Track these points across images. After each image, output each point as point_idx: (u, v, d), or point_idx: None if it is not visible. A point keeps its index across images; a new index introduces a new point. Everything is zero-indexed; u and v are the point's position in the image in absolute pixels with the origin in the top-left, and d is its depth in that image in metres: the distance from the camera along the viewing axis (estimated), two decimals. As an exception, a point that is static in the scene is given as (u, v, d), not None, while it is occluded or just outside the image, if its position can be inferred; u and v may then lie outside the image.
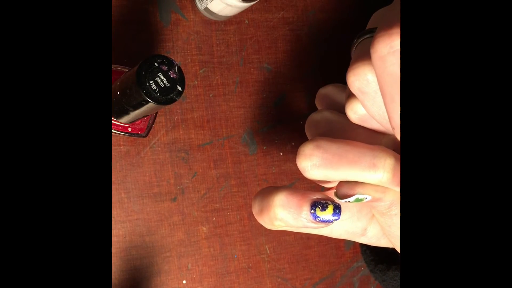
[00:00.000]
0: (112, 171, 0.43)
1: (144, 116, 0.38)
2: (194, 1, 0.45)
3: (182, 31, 0.45)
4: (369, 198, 0.21)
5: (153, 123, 0.41)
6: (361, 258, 0.52)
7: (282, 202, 0.21)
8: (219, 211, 0.47)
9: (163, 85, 0.31)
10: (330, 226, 0.24)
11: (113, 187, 0.43)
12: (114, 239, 0.43)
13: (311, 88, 0.50)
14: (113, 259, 0.43)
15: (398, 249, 0.23)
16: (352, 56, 0.22)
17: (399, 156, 0.20)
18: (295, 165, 0.49)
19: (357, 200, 0.21)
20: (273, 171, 0.49)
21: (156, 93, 0.31)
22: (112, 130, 0.39)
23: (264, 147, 0.48)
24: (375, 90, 0.19)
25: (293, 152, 0.49)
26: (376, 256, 0.49)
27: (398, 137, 0.19)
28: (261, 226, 0.48)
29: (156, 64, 0.31)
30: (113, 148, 0.43)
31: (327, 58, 0.50)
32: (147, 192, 0.44)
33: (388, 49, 0.17)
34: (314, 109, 0.25)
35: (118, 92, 0.33)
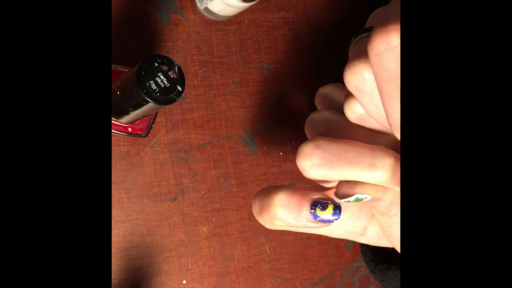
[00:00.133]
0: (112, 171, 0.43)
1: (144, 116, 0.38)
2: (194, 1, 0.45)
3: (182, 31, 0.45)
4: (368, 197, 0.21)
5: (153, 123, 0.41)
6: (361, 258, 0.52)
7: (282, 202, 0.21)
8: (219, 211, 0.47)
9: (163, 85, 0.31)
10: (330, 226, 0.24)
11: (113, 187, 0.43)
12: (114, 239, 0.43)
13: (311, 88, 0.50)
14: (113, 259, 0.43)
15: (398, 249, 0.23)
16: (349, 55, 0.22)
17: (398, 155, 0.20)
18: (295, 165, 0.49)
19: (357, 199, 0.21)
20: (273, 171, 0.49)
21: (156, 93, 0.31)
22: (112, 130, 0.39)
23: (264, 147, 0.48)
24: (371, 88, 0.19)
25: (293, 152, 0.49)
26: (376, 256, 0.49)
27: (396, 133, 0.19)
28: (261, 226, 0.48)
29: (156, 64, 0.31)
30: (113, 148, 0.43)
31: (327, 58, 0.50)
32: (147, 192, 0.44)
33: (385, 46, 0.17)
34: (314, 109, 0.25)
35: (118, 92, 0.33)
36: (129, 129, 0.40)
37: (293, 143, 0.49)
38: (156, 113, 0.41)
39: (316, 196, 0.22)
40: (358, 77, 0.19)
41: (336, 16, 0.50)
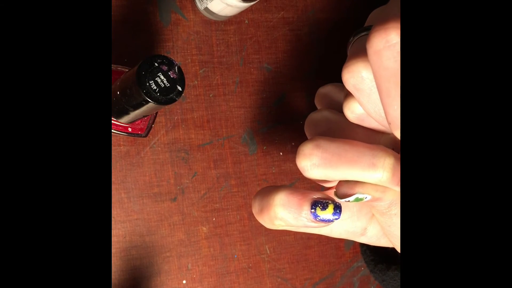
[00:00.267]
0: (112, 171, 0.43)
1: (144, 116, 0.38)
2: (194, 1, 0.45)
3: (182, 31, 0.45)
4: (368, 197, 0.21)
5: (153, 123, 0.41)
6: (361, 258, 0.52)
7: (282, 202, 0.21)
8: (219, 211, 0.47)
9: (163, 85, 0.31)
10: (330, 226, 0.24)
11: (113, 187, 0.43)
12: (114, 239, 0.43)
13: (311, 88, 0.50)
14: (113, 259, 0.43)
15: (398, 249, 0.23)
16: (348, 54, 0.22)
17: (398, 155, 0.20)
18: (295, 165, 0.49)
19: (357, 199, 0.21)
20: (273, 171, 0.49)
21: (156, 93, 0.31)
22: (112, 130, 0.39)
23: (264, 147, 0.48)
24: (369, 87, 0.19)
25: (293, 152, 0.49)
26: (376, 256, 0.49)
27: (394, 132, 0.19)
28: (261, 226, 0.48)
29: (156, 64, 0.31)
30: (113, 148, 0.43)
31: (327, 58, 0.50)
32: (147, 192, 0.44)
33: (384, 44, 0.17)
34: (314, 108, 0.25)
35: (118, 92, 0.33)
36: (129, 129, 0.40)
37: (293, 143, 0.49)
38: (156, 113, 0.41)
39: (317, 195, 0.22)
40: (356, 75, 0.19)
41: (336, 16, 0.50)
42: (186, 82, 0.45)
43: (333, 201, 0.22)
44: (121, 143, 0.44)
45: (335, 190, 0.21)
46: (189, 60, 0.46)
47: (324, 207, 0.21)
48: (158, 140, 0.45)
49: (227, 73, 0.47)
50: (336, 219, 0.22)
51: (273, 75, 0.48)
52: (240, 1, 0.39)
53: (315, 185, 0.49)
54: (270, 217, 0.22)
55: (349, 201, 0.21)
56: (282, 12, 0.49)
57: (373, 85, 0.19)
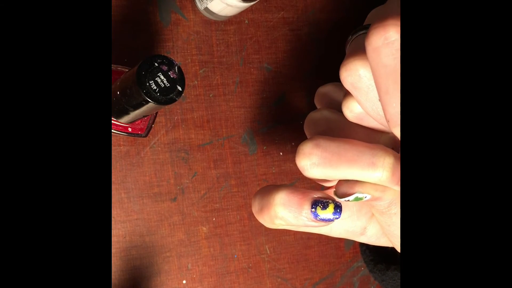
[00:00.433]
0: (112, 171, 0.43)
1: (144, 116, 0.38)
2: (194, 1, 0.45)
3: (182, 31, 0.45)
4: (368, 197, 0.21)
5: (153, 123, 0.41)
6: (361, 258, 0.52)
7: (282, 201, 0.21)
8: (219, 211, 0.47)
9: (163, 85, 0.31)
10: (330, 225, 0.24)
11: (113, 187, 0.43)
12: (114, 239, 0.43)
13: (311, 88, 0.50)
14: (113, 259, 0.43)
15: (398, 249, 0.23)
16: (346, 53, 0.22)
17: (398, 155, 0.20)
18: (295, 165, 0.49)
19: (357, 199, 0.21)
20: (273, 171, 0.49)
21: (156, 93, 0.31)
22: (112, 130, 0.39)
23: (264, 147, 0.48)
24: (367, 85, 0.20)
25: (293, 152, 0.49)
26: (375, 256, 0.49)
27: (393, 129, 0.19)
28: (261, 226, 0.48)
29: (156, 64, 0.31)
30: (113, 148, 0.43)
31: (327, 58, 0.50)
32: (147, 192, 0.44)
33: (383, 41, 0.17)
34: (314, 108, 0.25)
35: (118, 92, 0.33)
36: (129, 129, 0.40)
37: (293, 143, 0.49)
38: (156, 113, 0.41)
39: (317, 195, 0.22)
40: (353, 74, 0.19)
41: (336, 16, 0.51)
42: (186, 82, 0.45)
43: (334, 201, 0.22)
44: (121, 143, 0.44)
45: (335, 189, 0.21)
46: (189, 60, 0.46)
47: (324, 207, 0.21)
48: (158, 140, 0.45)
49: (227, 73, 0.47)
50: (337, 218, 0.22)
51: (273, 75, 0.48)
52: (240, 1, 0.39)
53: (315, 185, 0.49)
54: (270, 216, 0.22)
55: (349, 200, 0.21)
56: (282, 12, 0.49)
57: (370, 83, 0.19)
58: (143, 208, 0.44)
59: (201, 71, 0.46)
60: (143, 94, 0.30)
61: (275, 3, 0.48)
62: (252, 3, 0.40)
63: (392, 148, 0.21)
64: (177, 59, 0.45)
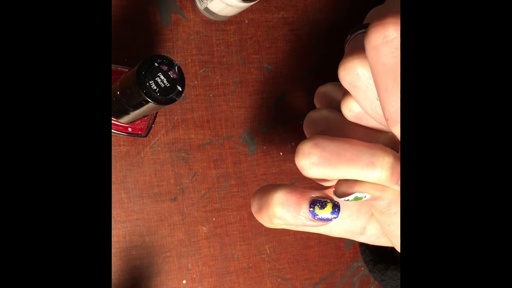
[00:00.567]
0: (112, 171, 0.43)
1: (144, 116, 0.38)
2: (194, 1, 0.45)
3: (182, 31, 0.45)
4: (368, 196, 0.21)
5: (153, 123, 0.41)
6: (361, 258, 0.52)
7: (281, 200, 0.21)
8: (219, 211, 0.47)
9: (163, 85, 0.31)
10: (329, 225, 0.24)
11: (113, 187, 0.43)
12: (114, 239, 0.43)
13: (311, 88, 0.50)
14: (113, 259, 0.44)
15: (397, 248, 0.23)
16: (345, 52, 0.22)
17: (397, 154, 0.20)
18: (295, 165, 0.49)
19: (356, 198, 0.21)
20: (273, 171, 0.49)
21: (156, 93, 0.31)
22: (112, 130, 0.39)
23: (264, 147, 0.48)
24: (365, 84, 0.20)
25: (293, 152, 0.50)
26: (375, 256, 0.49)
27: (392, 128, 0.19)
28: (261, 226, 0.48)
29: (156, 64, 0.31)
30: (113, 148, 0.43)
31: (327, 58, 0.50)
32: (147, 192, 0.44)
33: (382, 39, 0.17)
34: (313, 108, 0.25)
35: (118, 92, 0.33)
36: (129, 129, 0.40)
37: (293, 143, 0.49)
38: (156, 113, 0.41)
39: (315, 194, 0.22)
40: (351, 73, 0.19)
41: (336, 16, 0.51)
42: (186, 82, 0.45)
43: (332, 200, 0.22)
44: (121, 143, 0.44)
45: (334, 189, 0.21)
46: (189, 60, 0.46)
47: (322, 206, 0.21)
48: (158, 140, 0.45)
49: (227, 73, 0.47)
50: (335, 218, 0.22)
51: (273, 75, 0.48)
52: (240, 1, 0.39)
53: (315, 185, 0.49)
54: (268, 216, 0.22)
55: (348, 200, 0.21)
56: (282, 12, 0.49)
57: (369, 82, 0.19)
58: (143, 208, 0.44)
59: (201, 71, 0.46)
60: (143, 94, 0.30)
61: (275, 3, 0.48)
62: (252, 3, 0.40)
63: (391, 148, 0.21)
64: (177, 59, 0.45)
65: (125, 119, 0.37)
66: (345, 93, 0.21)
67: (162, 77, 0.31)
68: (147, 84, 0.30)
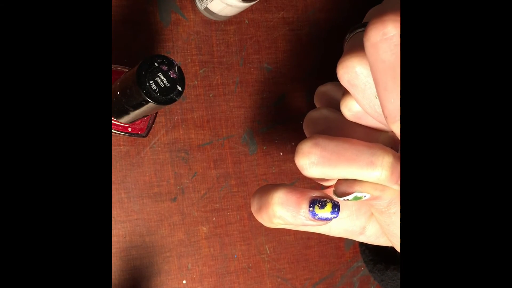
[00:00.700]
0: (112, 171, 0.43)
1: (144, 116, 0.38)
2: (194, 1, 0.45)
3: (182, 31, 0.45)
4: (367, 196, 0.21)
5: (153, 123, 0.41)
6: (361, 258, 0.52)
7: (280, 200, 0.21)
8: (219, 211, 0.47)
9: (163, 85, 0.31)
10: (329, 225, 0.24)
11: (113, 187, 0.43)
12: (114, 239, 0.43)
13: (311, 88, 0.50)
14: (113, 259, 0.44)
15: (397, 248, 0.23)
16: (344, 50, 0.22)
17: (397, 154, 0.20)
18: (295, 165, 0.49)
19: (356, 198, 0.21)
20: (273, 171, 0.49)
21: (156, 93, 0.31)
22: (112, 130, 0.39)
23: (264, 147, 0.48)
24: (364, 82, 0.20)
25: (293, 152, 0.49)
26: (375, 256, 0.49)
27: (391, 126, 0.19)
28: (261, 226, 0.48)
29: (156, 64, 0.31)
30: (113, 148, 0.43)
31: (327, 58, 0.50)
32: (147, 192, 0.44)
33: (381, 36, 0.17)
34: (313, 108, 0.25)
35: (118, 92, 0.33)
36: (129, 129, 0.40)
37: (293, 143, 0.49)
38: (156, 113, 0.41)
39: (315, 194, 0.22)
40: (350, 71, 0.19)
41: (336, 16, 0.51)
42: (186, 82, 0.45)
43: (332, 200, 0.22)
44: (121, 143, 0.44)
45: (334, 188, 0.21)
46: (189, 60, 0.46)
47: (322, 206, 0.21)
48: (158, 140, 0.45)
49: (227, 73, 0.47)
50: (335, 217, 0.22)
51: (273, 75, 0.48)
52: (240, 1, 0.39)
53: (316, 185, 0.49)
54: (268, 216, 0.22)
55: (348, 199, 0.21)
56: (282, 12, 0.49)
57: (367, 81, 0.19)
58: (143, 208, 0.44)
59: (201, 71, 0.46)
60: (143, 94, 0.30)
61: (275, 3, 0.48)
62: (252, 3, 0.40)
63: (391, 147, 0.21)
64: (177, 59, 0.45)
65: (125, 119, 0.37)
66: (345, 92, 0.21)
67: (162, 77, 0.31)
68: (147, 84, 0.30)
